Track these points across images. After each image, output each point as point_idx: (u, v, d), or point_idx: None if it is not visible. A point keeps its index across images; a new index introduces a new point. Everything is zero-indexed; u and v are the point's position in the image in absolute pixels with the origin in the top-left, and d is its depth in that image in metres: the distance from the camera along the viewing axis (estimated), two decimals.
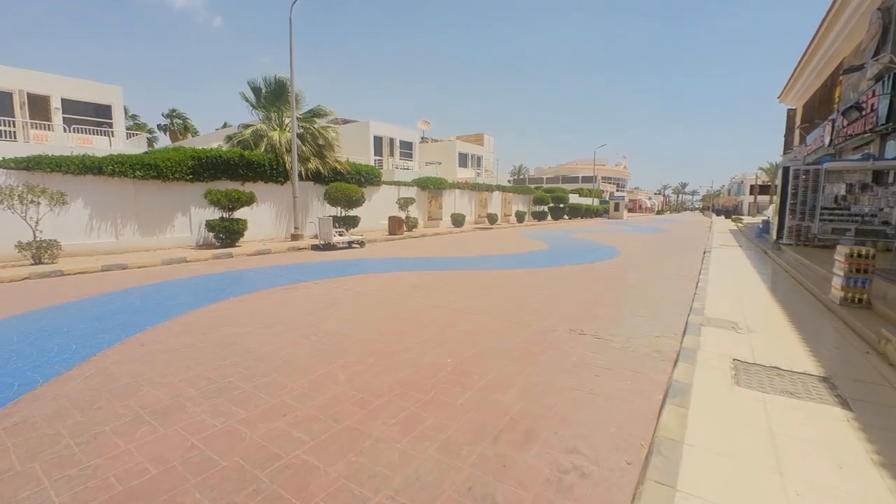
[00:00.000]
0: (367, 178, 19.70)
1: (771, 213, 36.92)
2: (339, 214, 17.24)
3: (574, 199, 46.43)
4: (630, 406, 3.05)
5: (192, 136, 39.83)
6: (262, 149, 16.53)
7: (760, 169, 63.12)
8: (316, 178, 17.55)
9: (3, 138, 18.48)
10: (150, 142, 38.79)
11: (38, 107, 19.76)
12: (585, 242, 17.01)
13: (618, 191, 74.04)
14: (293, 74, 15.10)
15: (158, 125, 45.49)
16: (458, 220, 24.09)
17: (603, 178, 77.13)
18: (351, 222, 17.30)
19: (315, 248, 14.13)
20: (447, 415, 2.94)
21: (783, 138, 28.32)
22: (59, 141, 19.32)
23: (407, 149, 30.86)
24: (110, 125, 21.54)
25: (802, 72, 21.54)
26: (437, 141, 38.43)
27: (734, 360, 3.62)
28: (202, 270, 9.78)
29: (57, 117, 20.03)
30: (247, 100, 17.58)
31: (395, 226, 18.09)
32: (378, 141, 28.52)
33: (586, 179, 64.32)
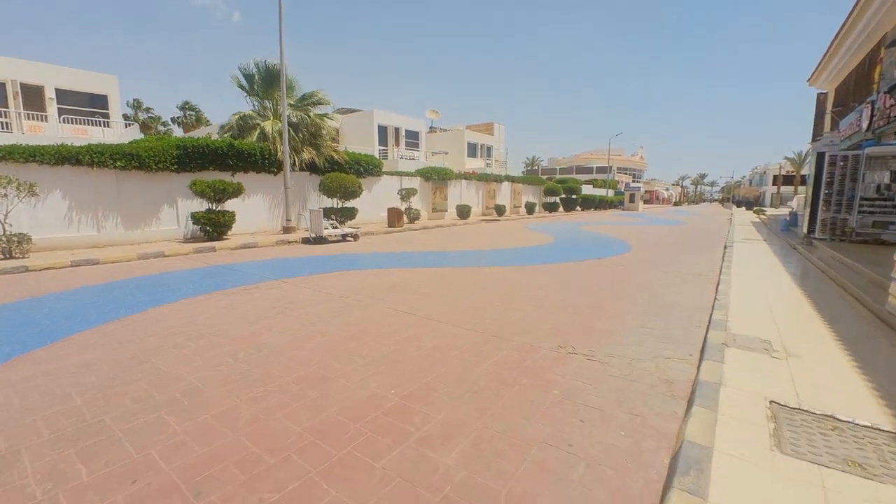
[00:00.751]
0: (367, 168, 18.85)
1: (796, 203, 34.97)
2: (336, 206, 16.46)
3: (588, 190, 44.90)
4: (621, 482, 2.12)
5: (205, 127, 39.53)
6: (255, 138, 15.79)
7: (785, 158, 60.45)
8: (312, 168, 16.77)
9: None
10: (165, 134, 38.60)
11: (33, 97, 19.36)
12: (594, 236, 15.90)
13: (634, 182, 71.90)
14: (283, 58, 14.26)
15: (172, 118, 45.37)
16: (463, 212, 23.12)
17: (619, 168, 74.99)
18: (348, 214, 16.50)
19: (305, 241, 13.37)
20: (355, 490, 2.06)
21: (812, 125, 26.52)
22: (54, 132, 18.93)
23: (413, 139, 29.90)
24: (106, 115, 21.09)
25: (837, 50, 19.81)
26: (445, 131, 37.34)
27: (771, 402, 2.65)
28: (175, 266, 9.07)
29: (52, 108, 19.61)
30: (240, 86, 16.83)
31: (395, 218, 17.23)
32: (383, 130, 27.61)
33: (601, 170, 62.37)
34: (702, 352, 3.66)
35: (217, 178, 13.09)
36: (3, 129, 18.30)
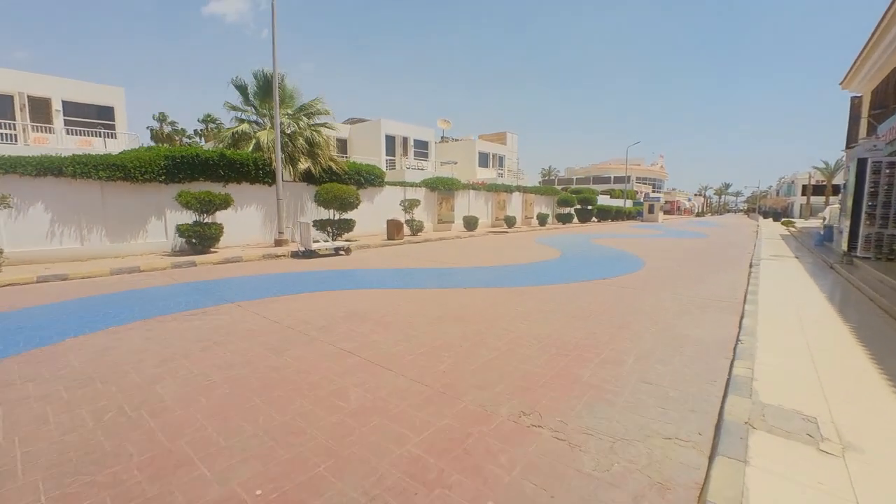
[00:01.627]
0: (368, 178, 18.17)
1: (829, 214, 32.75)
2: (333, 217, 15.78)
3: (604, 200, 43.45)
4: None
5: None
6: (251, 148, 15.30)
7: (814, 168, 57.62)
8: (309, 178, 16.18)
9: (4, 141, 18.26)
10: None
11: (40, 109, 19.47)
12: (606, 250, 14.73)
13: (653, 192, 69.79)
14: (276, 65, 13.74)
15: (195, 130, 46.08)
16: (470, 223, 22.21)
17: (638, 178, 73.08)
18: (345, 226, 15.78)
19: (295, 255, 12.66)
20: None
21: (846, 130, 24.75)
22: (60, 143, 18.96)
23: (422, 148, 29.30)
24: (113, 127, 21.11)
25: (874, 48, 18.31)
26: (457, 140, 36.69)
27: None
28: (143, 283, 8.42)
29: (58, 120, 19.70)
30: (233, 108, 16.36)
31: (394, 230, 16.44)
32: (391, 140, 27.09)
33: (619, 180, 60.68)
34: (716, 432, 2.63)
35: (205, 190, 12.55)
36: (9, 140, 18.41)
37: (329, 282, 8.49)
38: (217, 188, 13.84)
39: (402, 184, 20.35)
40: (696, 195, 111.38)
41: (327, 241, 13.58)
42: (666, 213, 73.95)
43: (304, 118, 15.89)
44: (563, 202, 32.57)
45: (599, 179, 68.75)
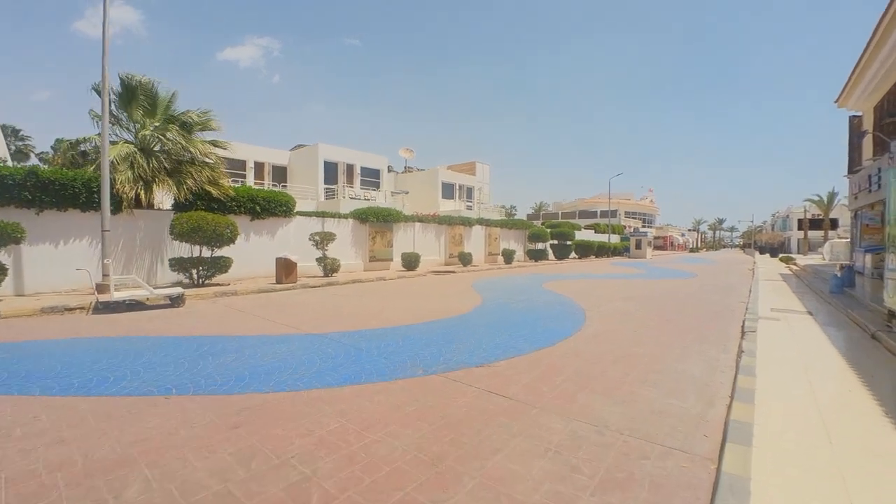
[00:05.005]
0: (268, 207, 14.69)
1: (830, 250, 29.22)
2: (201, 255, 12.15)
3: (588, 235, 40.17)
4: None
5: None
6: (95, 167, 11.87)
7: (808, 200, 55.02)
8: (184, 207, 12.68)
9: None
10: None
11: None
12: (545, 299, 11.03)
13: (643, 226, 66.95)
14: (106, 40, 10.43)
15: (52, 147, 44.09)
16: (410, 262, 18.57)
17: (627, 213, 70.52)
18: (216, 266, 12.12)
19: (102, 308, 8.93)
20: None
21: (846, 154, 21.70)
22: None
23: (373, 177, 26.16)
24: None
25: (873, 58, 15.48)
26: (422, 170, 33.77)
27: None
28: None
29: None
30: (98, 117, 13.10)
31: (283, 272, 12.76)
32: (331, 167, 23.94)
33: (606, 214, 57.79)
34: None
35: None
36: None
37: (49, 371, 4.72)
38: (29, 216, 10.31)
39: (322, 214, 16.86)
40: (690, 230, 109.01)
41: (166, 287, 9.89)
42: (658, 248, 70.77)
43: (173, 131, 12.54)
44: (536, 237, 29.13)
45: (586, 214, 66.04)
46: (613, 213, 52.77)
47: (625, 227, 57.28)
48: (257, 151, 22.95)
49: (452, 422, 3.56)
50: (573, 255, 34.17)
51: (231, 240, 12.28)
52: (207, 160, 13.30)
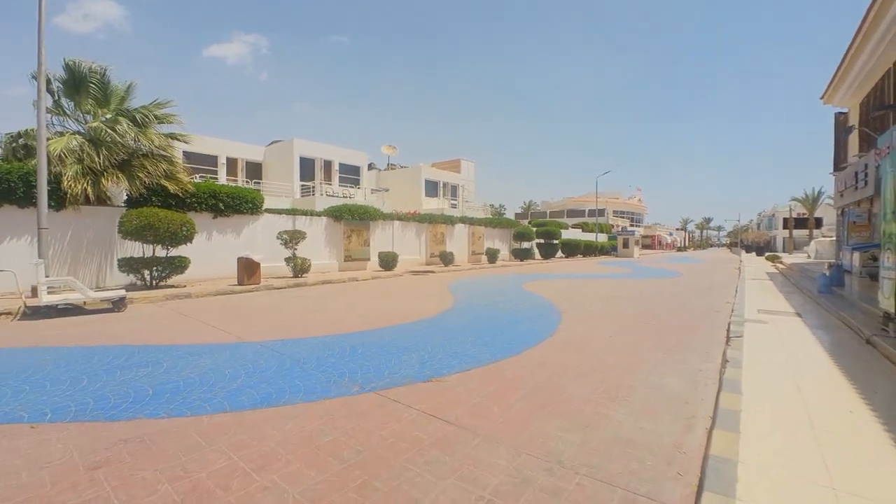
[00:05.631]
0: (232, 204, 13.85)
1: (815, 249, 29.09)
2: (155, 255, 11.30)
3: (575, 234, 39.75)
4: None
5: None
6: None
7: (794, 199, 55.35)
8: (135, 203, 11.80)
9: None
10: None
11: None
12: (522, 301, 10.40)
13: (632, 225, 66.89)
14: (42, 17, 9.54)
15: None
16: (387, 261, 17.82)
17: (615, 212, 70.41)
18: (172, 266, 11.28)
19: (31, 313, 8.08)
20: None
21: (832, 152, 21.45)
22: None
23: (352, 174, 25.34)
24: None
25: (859, 52, 15.13)
26: (405, 168, 33.01)
27: None
28: None
29: None
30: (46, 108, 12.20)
31: (245, 272, 11.95)
32: (308, 164, 23.08)
33: (594, 213, 57.57)
34: None
35: None
36: None
37: None
38: None
39: (293, 212, 16.05)
40: (678, 230, 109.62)
41: (108, 290, 9.03)
42: (646, 247, 70.80)
43: (123, 123, 11.64)
44: (521, 236, 28.55)
45: (575, 213, 65.79)
46: (601, 212, 52.50)
47: (613, 226, 57.07)
48: (230, 147, 21.98)
49: (370, 458, 2.86)
50: (560, 254, 33.70)
51: (188, 238, 11.45)
52: (164, 153, 12.43)
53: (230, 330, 6.86)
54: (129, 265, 10.84)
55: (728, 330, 6.62)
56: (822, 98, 19.89)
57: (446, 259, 21.17)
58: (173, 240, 11.08)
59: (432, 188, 30.42)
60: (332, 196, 21.94)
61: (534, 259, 29.56)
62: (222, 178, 21.25)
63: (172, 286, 11.55)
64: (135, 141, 11.96)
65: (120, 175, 11.36)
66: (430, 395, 4.02)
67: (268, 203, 19.68)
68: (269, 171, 23.68)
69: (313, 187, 22.28)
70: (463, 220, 24.70)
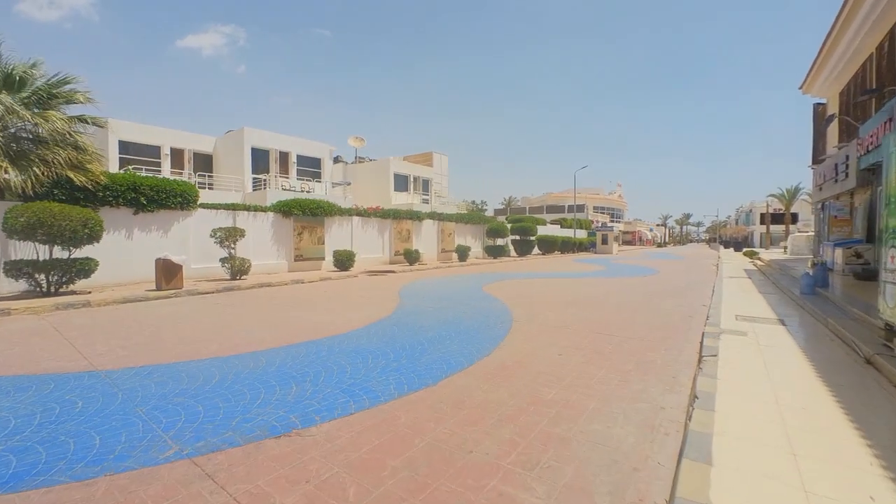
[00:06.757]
0: (160, 198, 12.25)
1: (792, 244, 28.72)
2: (68, 256, 9.70)
3: (553, 230, 38.85)
4: None
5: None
6: None
7: (771, 196, 55.58)
8: (32, 197, 10.12)
9: None
10: None
11: None
12: (474, 308, 9.16)
13: (612, 221, 66.55)
14: None
15: None
16: (343, 261, 16.41)
17: (595, 207, 70.02)
18: (72, 270, 9.69)
19: None
20: None
21: (811, 143, 20.80)
22: None
23: (313, 166, 23.75)
24: None
25: (838, 40, 14.33)
26: (374, 161, 31.48)
27: None
28: None
29: None
30: None
31: (163, 275, 10.42)
32: (261, 155, 21.40)
33: (574, 209, 56.91)
34: None
35: None
36: None
37: None
38: None
39: (233, 207, 14.48)
40: (658, 225, 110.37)
41: None
42: (626, 243, 70.68)
43: (14, 101, 9.95)
44: (495, 232, 27.40)
45: (554, 208, 65.16)
46: (581, 208, 51.77)
47: (593, 221, 56.50)
48: (175, 136, 20.12)
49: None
50: (536, 250, 32.70)
51: (92, 237, 9.86)
52: (70, 138, 10.76)
53: (93, 352, 5.42)
54: (15, 269, 9.22)
55: (701, 344, 5.47)
56: (801, 88, 19.20)
57: (411, 257, 19.83)
58: (73, 239, 9.49)
59: (402, 182, 28.99)
60: (289, 190, 20.37)
61: (508, 256, 28.47)
62: (166, 170, 19.45)
63: (75, 292, 9.97)
64: (33, 124, 10.29)
65: (7, 166, 9.67)
66: (268, 464, 2.71)
67: (217, 198, 18.07)
68: (220, 164, 21.93)
69: (265, 181, 20.65)
70: (432, 215, 23.38)
